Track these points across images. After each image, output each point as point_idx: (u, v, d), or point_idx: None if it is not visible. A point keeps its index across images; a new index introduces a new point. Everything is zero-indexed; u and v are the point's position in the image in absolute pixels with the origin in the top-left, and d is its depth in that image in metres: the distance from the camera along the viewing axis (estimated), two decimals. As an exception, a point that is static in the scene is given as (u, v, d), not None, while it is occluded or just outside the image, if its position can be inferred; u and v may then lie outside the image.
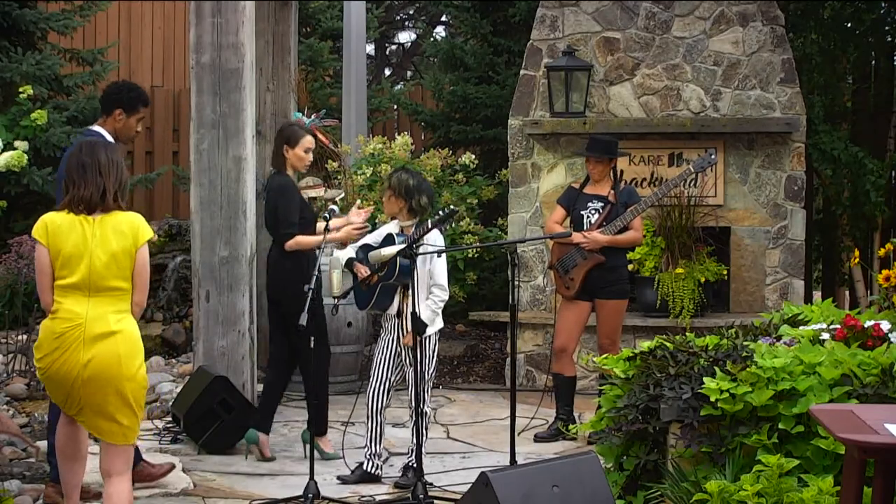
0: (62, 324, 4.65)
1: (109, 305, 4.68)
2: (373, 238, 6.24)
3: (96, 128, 5.89)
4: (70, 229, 4.67)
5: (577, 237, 6.99)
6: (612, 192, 7.12)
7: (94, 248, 4.66)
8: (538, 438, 7.02)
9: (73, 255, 4.66)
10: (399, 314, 6.12)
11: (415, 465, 5.92)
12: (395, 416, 7.41)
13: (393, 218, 6.26)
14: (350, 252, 6.23)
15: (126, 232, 4.71)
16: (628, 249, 7.39)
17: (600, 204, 7.10)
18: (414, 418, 5.85)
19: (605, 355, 5.47)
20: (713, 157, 7.25)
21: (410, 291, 5.90)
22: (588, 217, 7.10)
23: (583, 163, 8.40)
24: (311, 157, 6.64)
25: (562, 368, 7.16)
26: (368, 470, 6.10)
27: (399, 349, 6.15)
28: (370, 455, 6.11)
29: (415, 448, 5.77)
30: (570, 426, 6.85)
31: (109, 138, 5.76)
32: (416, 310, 5.76)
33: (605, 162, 7.08)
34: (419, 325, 5.83)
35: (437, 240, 6.12)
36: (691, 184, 8.64)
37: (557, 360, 7.17)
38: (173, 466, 5.97)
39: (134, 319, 4.76)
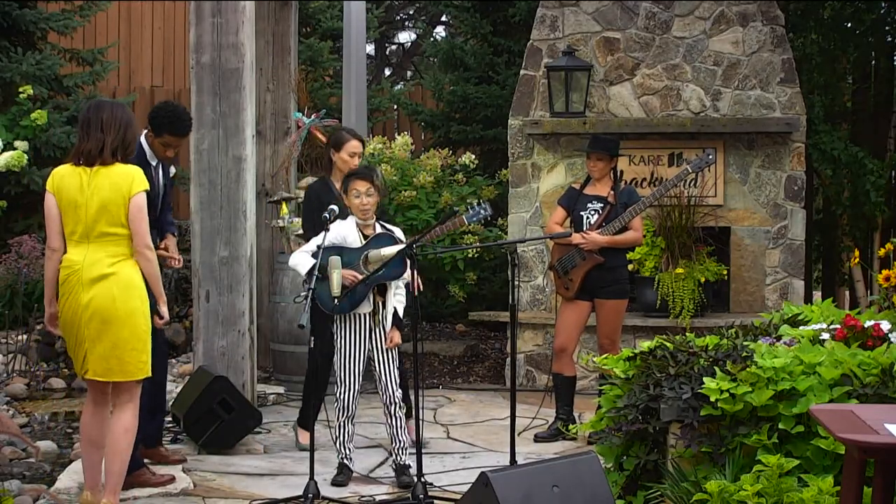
0: (65, 271, 5.10)
1: (105, 251, 5.07)
2: (329, 240, 5.91)
3: (142, 136, 6.02)
4: (71, 179, 5.10)
5: (575, 238, 6.99)
6: (612, 192, 7.12)
7: (89, 197, 5.06)
8: (538, 438, 7.01)
9: (70, 203, 5.08)
10: (375, 312, 6.04)
11: (406, 464, 6.02)
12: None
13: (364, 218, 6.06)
14: (305, 257, 5.98)
15: (120, 182, 5.07)
16: (628, 249, 7.39)
17: (600, 205, 7.10)
18: (397, 415, 6.03)
19: (605, 355, 5.47)
20: (711, 157, 7.26)
21: (391, 288, 6.00)
22: (588, 218, 7.10)
23: (583, 162, 8.41)
24: (356, 160, 6.64)
25: (562, 368, 7.16)
26: (351, 468, 6.11)
27: (369, 348, 6.06)
28: (349, 457, 6.11)
29: (415, 446, 5.78)
30: (570, 426, 6.86)
31: (147, 149, 5.99)
32: (394, 306, 5.99)
33: (605, 160, 7.08)
34: (402, 323, 6.04)
35: (399, 233, 6.17)
36: (691, 184, 8.64)
37: (557, 360, 7.18)
38: (174, 478, 5.98)
39: (131, 262, 5.11)
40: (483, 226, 9.22)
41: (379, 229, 6.08)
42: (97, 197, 5.05)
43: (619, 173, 7.44)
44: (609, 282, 7.06)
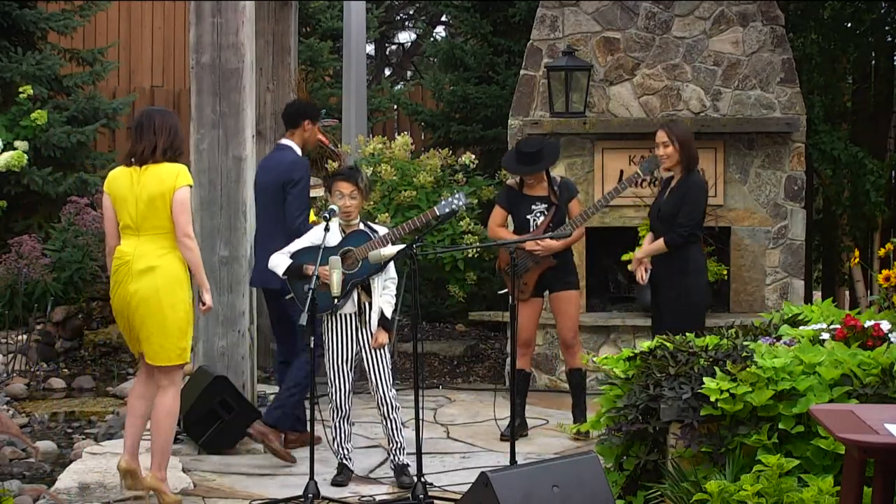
0: (116, 262, 5.50)
1: (153, 243, 5.45)
2: (308, 240, 6.02)
3: (285, 141, 6.83)
4: (122, 178, 5.51)
5: (529, 245, 6.93)
6: (552, 191, 7.05)
7: (138, 193, 5.43)
8: (504, 437, 6.87)
9: (121, 200, 5.47)
10: (361, 312, 6.05)
11: (404, 463, 6.02)
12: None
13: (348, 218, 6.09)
14: (283, 259, 6.06)
15: (165, 178, 5.44)
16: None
17: (544, 205, 7.03)
18: (391, 416, 6.02)
19: (604, 355, 5.46)
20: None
21: (377, 288, 6.01)
22: (534, 220, 7.05)
23: (583, 162, 8.45)
24: (660, 151, 6.72)
25: (525, 364, 7.13)
26: (351, 468, 6.12)
27: (358, 348, 6.07)
28: (347, 457, 6.12)
29: (413, 445, 5.78)
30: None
31: (298, 150, 6.74)
32: (381, 306, 6.01)
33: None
34: (388, 322, 6.05)
35: (382, 231, 6.18)
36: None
37: (522, 356, 7.09)
38: (321, 439, 6.29)
39: (177, 255, 5.47)
40: (483, 225, 9.22)
41: (362, 228, 6.10)
42: (145, 192, 5.43)
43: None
44: (560, 275, 7.03)
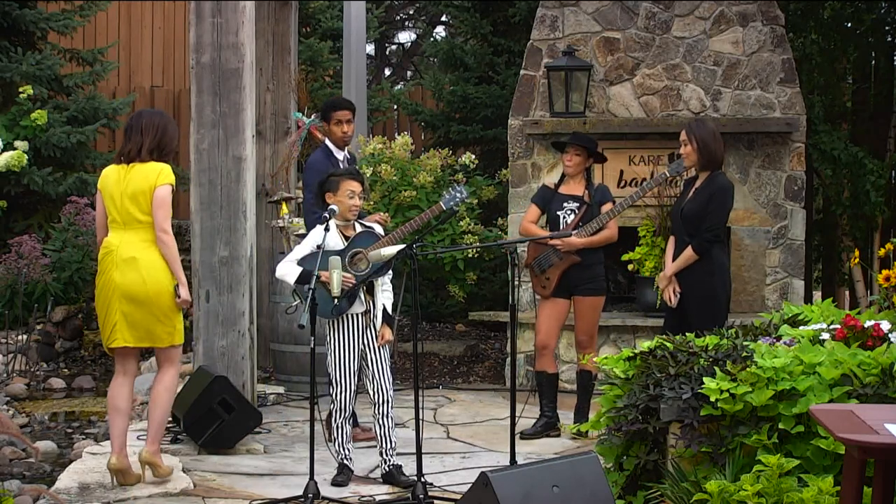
0: (103, 251, 5.82)
1: (137, 236, 5.76)
2: (310, 245, 5.96)
3: (326, 140, 7.12)
4: (112, 175, 5.83)
5: (552, 240, 6.99)
6: (587, 191, 7.12)
7: (124, 189, 5.75)
8: (524, 436, 6.96)
9: (109, 196, 5.79)
10: (366, 312, 6.04)
11: (398, 463, 6.03)
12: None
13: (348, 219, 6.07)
14: (291, 267, 5.99)
15: (149, 175, 5.75)
16: (604, 247, 7.30)
17: (575, 204, 7.10)
18: (390, 414, 6.01)
19: (604, 355, 5.46)
20: None
21: (378, 285, 6.03)
22: (564, 217, 7.11)
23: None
24: (681, 149, 6.59)
25: (544, 365, 7.17)
26: (351, 468, 6.11)
27: (362, 347, 6.05)
28: (348, 457, 6.11)
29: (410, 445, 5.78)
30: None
31: (331, 146, 6.97)
32: (384, 304, 6.04)
33: (583, 155, 7.11)
34: (390, 318, 6.09)
35: (378, 228, 6.20)
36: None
37: (539, 358, 7.18)
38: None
39: (157, 247, 5.73)
40: (483, 225, 9.22)
41: (359, 228, 6.09)
42: (130, 188, 5.75)
43: (591, 174, 7.38)
44: (586, 279, 7.09)
